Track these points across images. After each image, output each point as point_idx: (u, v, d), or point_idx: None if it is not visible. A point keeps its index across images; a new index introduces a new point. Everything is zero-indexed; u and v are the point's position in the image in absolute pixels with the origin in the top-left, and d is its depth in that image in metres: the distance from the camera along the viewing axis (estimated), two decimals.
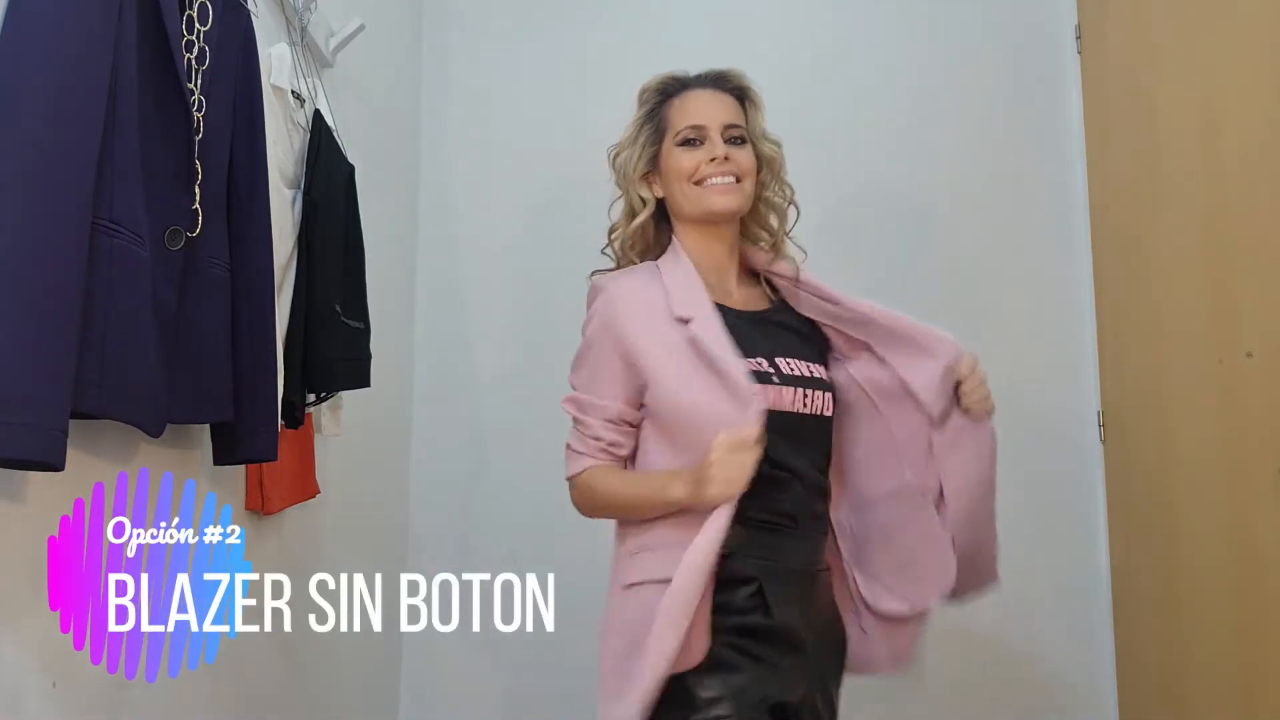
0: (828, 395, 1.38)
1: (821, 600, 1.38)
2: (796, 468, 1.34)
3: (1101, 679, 2.12)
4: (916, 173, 2.32)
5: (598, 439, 1.38)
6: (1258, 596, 1.55)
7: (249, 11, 1.43)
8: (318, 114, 1.70)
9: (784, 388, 1.34)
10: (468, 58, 2.52)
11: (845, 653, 1.40)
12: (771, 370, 1.35)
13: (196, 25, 1.26)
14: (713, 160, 1.41)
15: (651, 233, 1.49)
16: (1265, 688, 1.53)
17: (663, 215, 1.48)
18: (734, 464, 1.22)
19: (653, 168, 1.46)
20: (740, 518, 1.25)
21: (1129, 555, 2.07)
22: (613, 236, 1.51)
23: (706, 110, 1.44)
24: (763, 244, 1.51)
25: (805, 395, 1.35)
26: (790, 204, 1.50)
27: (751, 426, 1.23)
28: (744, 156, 1.43)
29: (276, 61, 1.59)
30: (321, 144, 1.68)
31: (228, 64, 1.34)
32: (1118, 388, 2.12)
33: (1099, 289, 2.21)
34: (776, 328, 1.43)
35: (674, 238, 1.46)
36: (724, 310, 1.38)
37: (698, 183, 1.42)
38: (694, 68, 1.49)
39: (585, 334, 1.42)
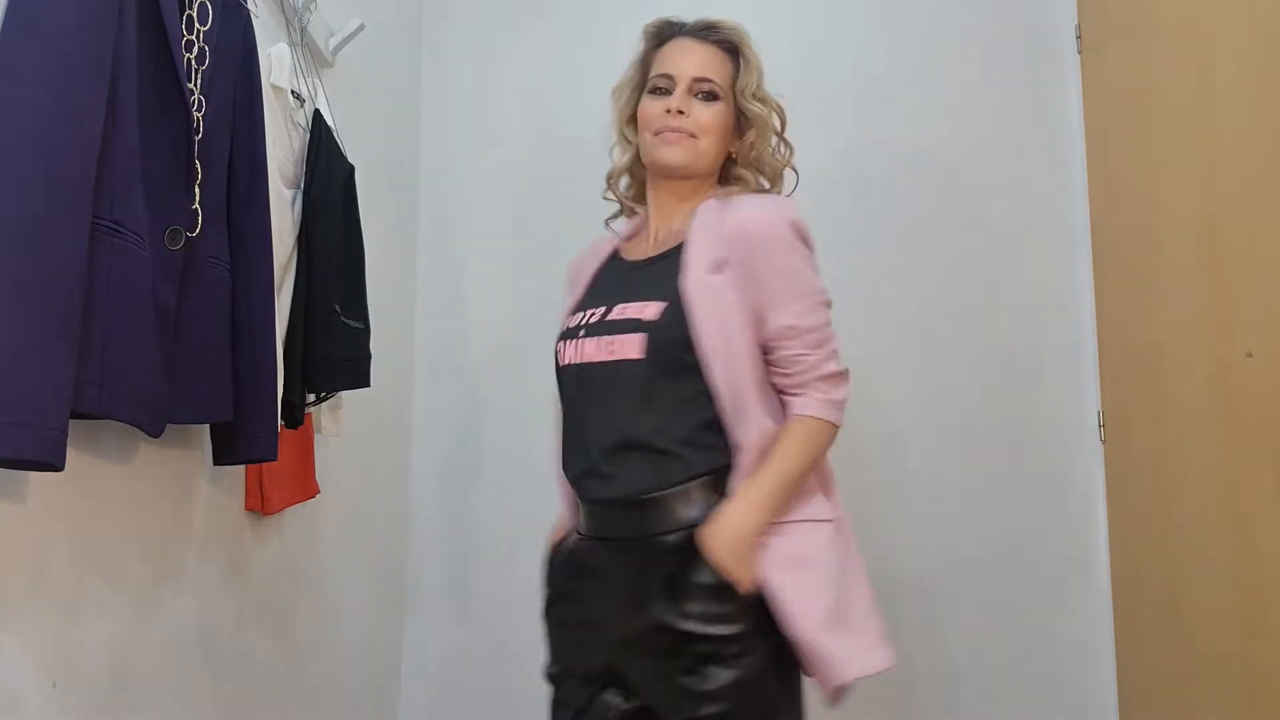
0: (636, 337, 1.28)
1: (642, 568, 1.26)
2: (593, 422, 1.32)
3: (1101, 679, 2.12)
4: (916, 172, 2.31)
5: None
6: (1258, 596, 1.55)
7: (249, 11, 1.42)
8: (317, 114, 1.70)
9: (586, 340, 1.34)
10: (468, 58, 2.52)
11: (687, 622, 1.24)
12: (589, 322, 1.36)
13: (196, 25, 1.26)
14: (667, 111, 1.38)
15: (646, 178, 1.48)
16: (1266, 687, 1.53)
17: None
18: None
19: (636, 111, 1.46)
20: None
21: (1129, 555, 2.07)
22: (608, 177, 1.53)
23: (679, 60, 1.41)
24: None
25: (610, 343, 1.31)
26: (787, 166, 1.46)
27: None
28: (707, 114, 1.38)
29: (276, 61, 1.59)
30: (321, 144, 1.67)
31: (228, 64, 1.34)
32: (1118, 388, 2.12)
33: (1099, 289, 2.21)
34: (648, 269, 1.38)
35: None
36: (619, 266, 1.44)
37: (656, 133, 1.39)
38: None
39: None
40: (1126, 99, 2.07)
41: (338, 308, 1.67)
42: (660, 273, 1.34)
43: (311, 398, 1.69)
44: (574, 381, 1.38)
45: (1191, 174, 1.77)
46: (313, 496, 1.80)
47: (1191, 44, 1.78)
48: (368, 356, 1.78)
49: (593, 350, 1.33)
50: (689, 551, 1.23)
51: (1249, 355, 1.57)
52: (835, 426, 1.31)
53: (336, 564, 2.00)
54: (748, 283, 1.28)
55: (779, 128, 1.45)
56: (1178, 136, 1.83)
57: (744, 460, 1.26)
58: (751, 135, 1.42)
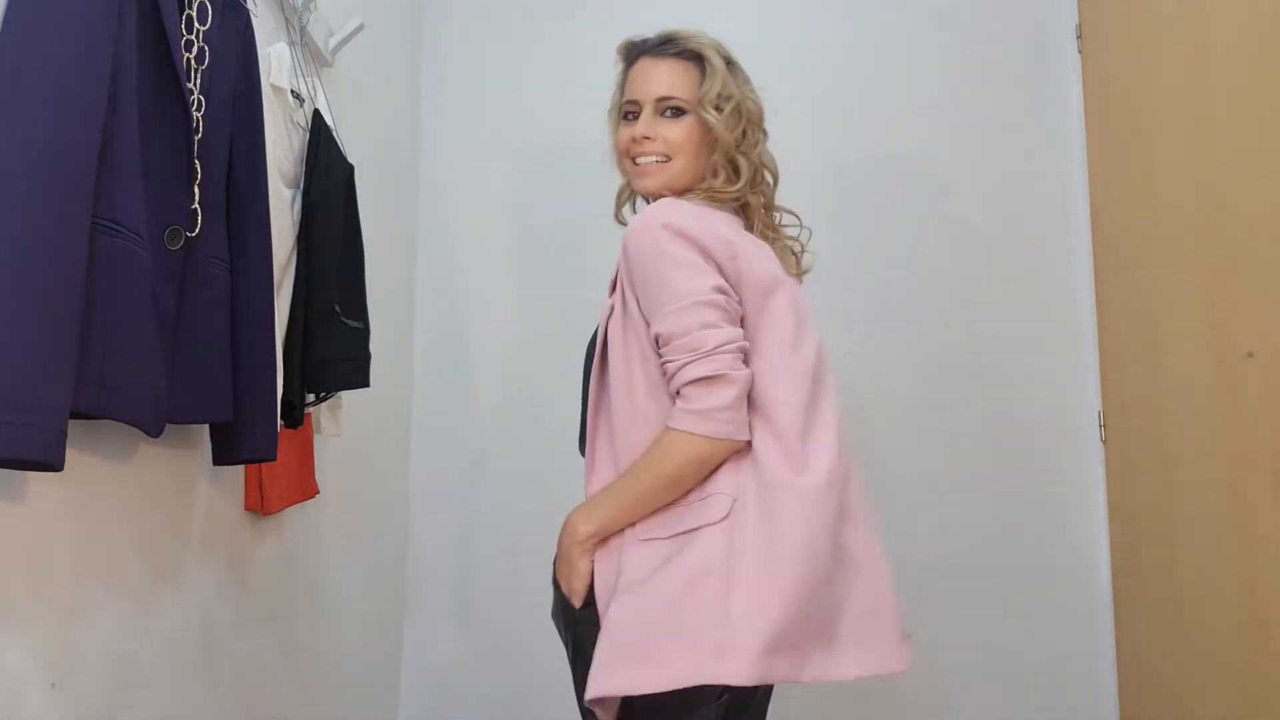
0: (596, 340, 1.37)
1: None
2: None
3: (1102, 679, 2.12)
4: (916, 172, 2.32)
5: None
6: (1258, 596, 1.55)
7: (248, 11, 1.42)
8: (317, 114, 1.70)
9: None
10: (466, 58, 2.52)
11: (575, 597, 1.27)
12: None
13: (196, 25, 1.26)
14: (634, 140, 1.39)
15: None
16: (1266, 687, 1.53)
17: None
18: None
19: None
20: None
21: (1129, 555, 2.07)
22: (618, 201, 1.56)
23: (642, 84, 1.40)
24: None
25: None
26: (764, 167, 1.43)
27: None
28: (676, 131, 1.37)
29: (276, 61, 1.59)
30: (321, 144, 1.67)
31: (227, 64, 1.34)
32: (1118, 388, 2.12)
33: (1099, 289, 2.21)
34: None
35: None
36: None
37: (633, 159, 1.40)
38: None
39: None
40: (1126, 99, 2.07)
41: (337, 308, 1.67)
42: None
43: (311, 398, 1.69)
44: None
45: (1191, 173, 1.77)
46: (312, 496, 1.80)
47: (1191, 43, 1.78)
48: (367, 356, 1.78)
49: None
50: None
51: (1249, 355, 1.57)
52: (699, 436, 1.20)
53: (336, 564, 2.00)
54: (636, 298, 1.28)
55: (751, 124, 1.41)
56: (1177, 136, 1.83)
57: (589, 483, 1.32)
58: (715, 142, 1.38)
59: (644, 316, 1.26)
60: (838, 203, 2.30)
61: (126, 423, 1.13)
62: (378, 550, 2.23)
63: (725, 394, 1.20)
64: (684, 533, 1.21)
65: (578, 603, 1.25)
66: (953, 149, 2.32)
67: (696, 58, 1.39)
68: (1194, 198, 1.76)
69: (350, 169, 1.78)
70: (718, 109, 1.36)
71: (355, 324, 1.74)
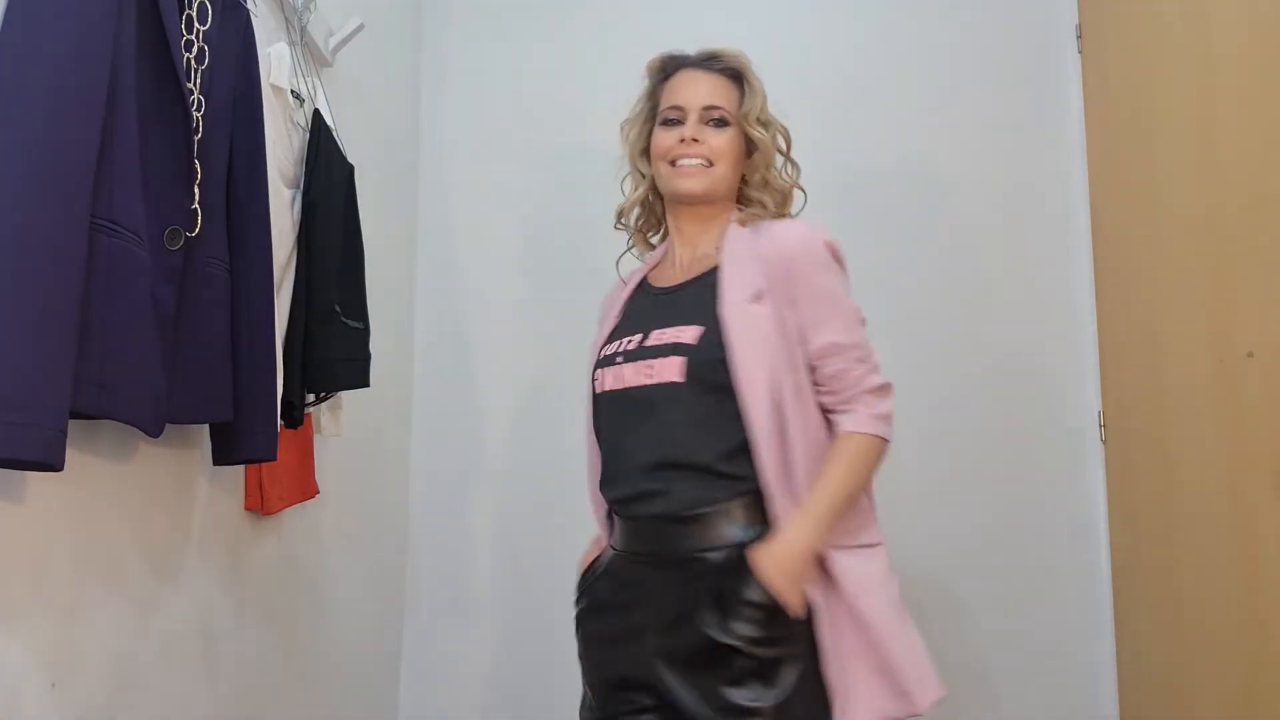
0: (676, 360, 1.31)
1: (687, 582, 1.27)
2: (634, 443, 1.33)
3: (1102, 679, 2.12)
4: (916, 172, 2.31)
5: None
6: (1258, 596, 1.55)
7: (248, 11, 1.42)
8: (317, 114, 1.70)
9: (625, 366, 1.36)
10: (467, 57, 2.52)
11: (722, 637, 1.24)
12: (627, 349, 1.38)
13: (196, 25, 1.26)
14: (682, 141, 1.43)
15: (661, 210, 1.54)
16: (1266, 687, 1.53)
17: None
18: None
19: (649, 144, 1.50)
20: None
21: (1129, 555, 2.07)
22: (619, 212, 1.56)
23: (688, 91, 1.45)
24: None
25: (649, 366, 1.33)
26: (795, 187, 1.50)
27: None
28: (720, 139, 1.43)
29: (276, 61, 1.59)
30: (321, 144, 1.67)
31: (227, 64, 1.34)
32: (1118, 388, 2.12)
33: (1099, 289, 2.21)
34: (679, 294, 1.41)
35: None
36: (649, 293, 1.46)
37: (672, 163, 1.44)
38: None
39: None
40: (1126, 99, 2.07)
41: (337, 308, 1.67)
42: (694, 297, 1.37)
43: (311, 398, 1.69)
44: (613, 406, 1.39)
45: (1192, 174, 1.77)
46: (312, 496, 1.80)
47: (1192, 43, 1.78)
48: (367, 356, 1.78)
49: (631, 375, 1.35)
50: (736, 569, 1.25)
51: (1249, 355, 1.57)
52: (884, 441, 1.31)
53: (336, 564, 2.00)
54: (789, 305, 1.31)
55: (784, 148, 1.50)
56: (1178, 136, 1.83)
57: (772, 487, 1.27)
58: (757, 158, 1.46)
59: (798, 325, 1.31)
60: (837, 203, 2.29)
61: (126, 423, 1.13)
62: (378, 550, 2.23)
63: (893, 402, 1.33)
64: (870, 545, 1.31)
65: (803, 614, 1.25)
66: (952, 149, 2.32)
67: (737, 77, 1.47)
68: (1194, 198, 1.76)
69: (350, 169, 1.78)
70: (763, 125, 1.44)
71: (355, 324, 1.74)
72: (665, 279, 1.48)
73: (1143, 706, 2.01)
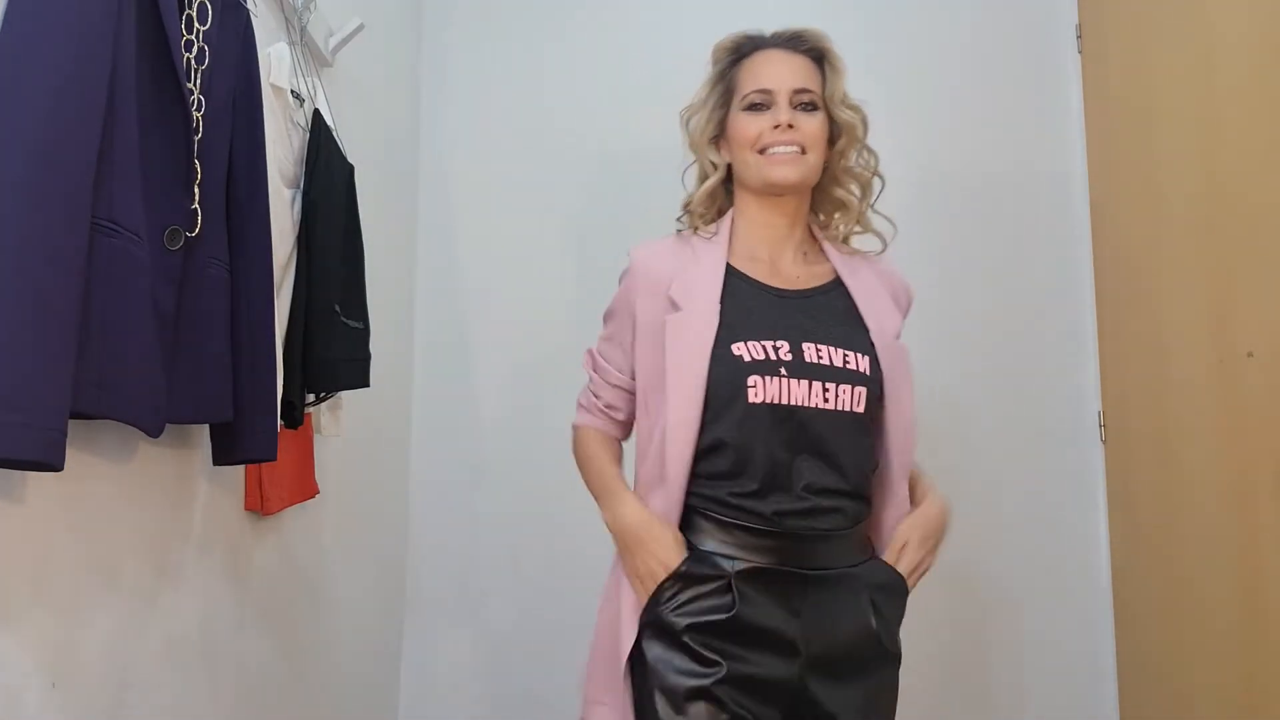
0: (860, 390, 1.27)
1: (836, 601, 1.26)
2: (806, 463, 1.26)
3: (1102, 679, 2.12)
4: (916, 172, 2.31)
5: (598, 397, 1.42)
6: (1258, 596, 1.55)
7: (248, 11, 1.42)
8: (317, 114, 1.70)
9: (791, 380, 1.25)
10: (467, 57, 2.52)
11: (878, 659, 1.28)
12: (788, 358, 1.26)
13: (196, 25, 1.26)
14: (776, 127, 1.33)
15: (722, 200, 1.44)
16: (1266, 687, 1.53)
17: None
18: (650, 573, 1.25)
19: (721, 131, 1.40)
20: (713, 511, 1.27)
21: (1129, 555, 2.07)
22: (687, 205, 1.44)
23: (775, 73, 1.36)
24: (839, 216, 1.44)
25: (827, 390, 1.26)
26: (874, 174, 1.43)
27: (673, 558, 1.25)
28: (812, 124, 1.35)
29: (276, 61, 1.59)
30: (321, 144, 1.67)
31: (227, 64, 1.34)
32: (1118, 388, 2.12)
33: (1099, 289, 2.21)
34: (822, 309, 1.34)
35: (733, 208, 1.42)
36: (762, 290, 1.34)
37: (761, 151, 1.35)
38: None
39: (613, 298, 1.43)
40: (1126, 99, 2.07)
41: (337, 308, 1.67)
42: (834, 317, 1.34)
43: (311, 398, 1.69)
44: (774, 416, 1.27)
45: (1192, 174, 1.77)
46: (312, 496, 1.80)
47: (1192, 44, 1.78)
48: (367, 356, 1.78)
49: (803, 394, 1.26)
50: (878, 580, 1.31)
51: (1249, 355, 1.57)
52: None
53: (336, 564, 2.00)
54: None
55: (863, 134, 1.42)
56: (1178, 136, 1.83)
57: (873, 518, 1.35)
58: (842, 143, 1.39)
59: None
60: None
61: (126, 423, 1.13)
62: (378, 550, 2.23)
63: None
64: None
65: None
66: (952, 149, 2.32)
67: (819, 59, 1.40)
68: (1194, 197, 1.76)
69: (350, 169, 1.78)
70: (849, 109, 1.39)
71: (355, 324, 1.74)
72: (770, 276, 1.36)
73: (1143, 706, 2.01)
